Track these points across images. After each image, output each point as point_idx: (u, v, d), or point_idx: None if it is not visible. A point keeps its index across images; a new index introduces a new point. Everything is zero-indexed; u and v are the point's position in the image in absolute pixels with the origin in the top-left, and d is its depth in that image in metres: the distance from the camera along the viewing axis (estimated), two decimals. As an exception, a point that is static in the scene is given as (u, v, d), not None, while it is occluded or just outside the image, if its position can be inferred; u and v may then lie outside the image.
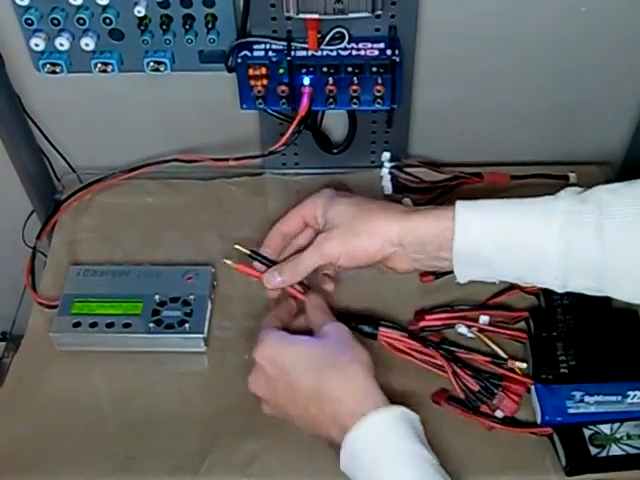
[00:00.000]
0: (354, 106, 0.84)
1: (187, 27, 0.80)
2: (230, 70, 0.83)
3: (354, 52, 0.82)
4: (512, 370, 0.74)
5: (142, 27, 0.80)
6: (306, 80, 0.82)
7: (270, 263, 0.76)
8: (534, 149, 0.97)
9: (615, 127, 0.96)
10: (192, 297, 0.80)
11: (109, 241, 0.89)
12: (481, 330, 0.78)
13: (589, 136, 0.96)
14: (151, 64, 0.82)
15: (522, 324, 0.79)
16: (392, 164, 0.92)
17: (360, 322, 0.76)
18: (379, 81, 0.82)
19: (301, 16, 0.78)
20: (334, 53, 0.82)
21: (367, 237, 0.69)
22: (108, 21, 0.79)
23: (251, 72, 0.82)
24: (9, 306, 0.86)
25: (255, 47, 0.82)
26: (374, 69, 0.81)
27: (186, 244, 0.88)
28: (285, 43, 0.82)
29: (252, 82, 0.83)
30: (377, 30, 0.83)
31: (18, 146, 0.92)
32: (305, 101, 0.83)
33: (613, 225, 0.62)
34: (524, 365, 0.74)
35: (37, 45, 0.80)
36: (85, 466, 0.71)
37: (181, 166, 0.89)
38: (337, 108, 0.85)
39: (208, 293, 0.81)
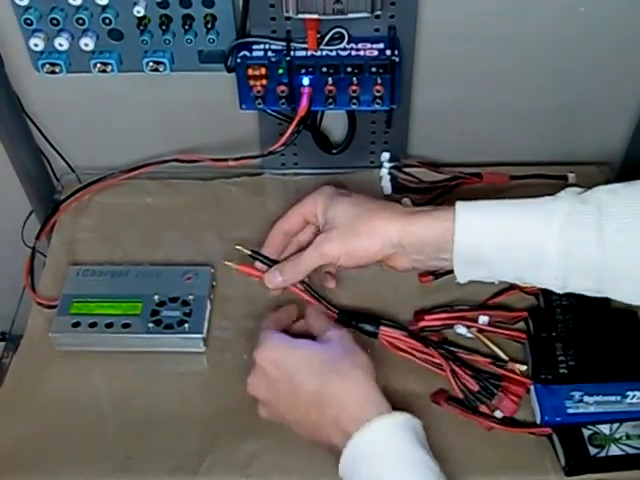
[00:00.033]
0: (353, 106, 0.84)
1: (186, 27, 0.80)
2: (229, 70, 0.83)
3: (353, 52, 0.81)
4: (512, 371, 0.74)
5: (141, 27, 0.80)
6: (305, 80, 0.82)
7: (271, 263, 0.76)
8: (534, 149, 0.97)
9: (615, 127, 0.96)
10: (191, 297, 0.80)
11: (108, 241, 0.89)
12: (480, 330, 0.78)
13: (588, 136, 0.96)
14: (150, 64, 0.82)
15: (521, 324, 0.79)
16: (391, 164, 0.92)
17: (361, 321, 0.76)
18: (378, 81, 0.82)
19: (300, 16, 0.78)
20: (333, 53, 0.82)
21: (367, 238, 0.69)
22: (107, 21, 0.79)
23: (250, 72, 0.82)
24: (8, 306, 0.86)
25: (254, 47, 0.82)
26: (373, 69, 0.81)
27: (185, 244, 0.88)
28: (284, 43, 0.81)
29: (251, 82, 0.82)
30: (376, 30, 0.83)
31: (17, 146, 0.92)
32: (304, 101, 0.83)
33: (612, 226, 0.62)
34: (524, 367, 0.74)
35: (36, 45, 0.80)
36: (85, 466, 0.71)
37: (181, 166, 0.89)
38: (336, 108, 0.85)
39: (207, 293, 0.81)
